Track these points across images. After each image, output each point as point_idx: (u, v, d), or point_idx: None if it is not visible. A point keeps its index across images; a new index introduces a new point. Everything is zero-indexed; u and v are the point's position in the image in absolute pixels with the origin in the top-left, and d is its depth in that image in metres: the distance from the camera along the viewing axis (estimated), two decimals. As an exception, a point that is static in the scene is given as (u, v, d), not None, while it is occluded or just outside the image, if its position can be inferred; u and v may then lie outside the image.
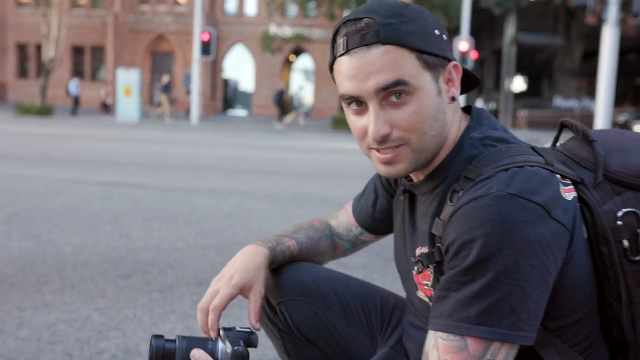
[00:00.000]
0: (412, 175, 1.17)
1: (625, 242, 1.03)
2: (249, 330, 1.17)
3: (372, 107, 1.05)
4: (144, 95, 30.68)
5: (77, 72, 36.35)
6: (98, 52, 37.24)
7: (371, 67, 1.02)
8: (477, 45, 27.71)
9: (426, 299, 1.16)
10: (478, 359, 0.95)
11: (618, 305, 1.05)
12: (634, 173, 1.07)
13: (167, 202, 5.62)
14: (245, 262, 1.28)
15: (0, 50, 37.09)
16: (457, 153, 1.10)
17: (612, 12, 15.51)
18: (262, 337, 1.90)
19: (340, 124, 22.56)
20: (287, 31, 31.30)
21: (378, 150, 1.08)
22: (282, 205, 5.66)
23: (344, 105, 1.11)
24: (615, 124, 18.72)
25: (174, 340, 1.13)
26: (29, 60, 37.60)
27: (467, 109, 1.17)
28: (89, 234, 4.14)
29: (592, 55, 22.56)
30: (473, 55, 24.15)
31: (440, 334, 0.98)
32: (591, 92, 23.78)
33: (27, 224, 4.33)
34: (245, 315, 2.60)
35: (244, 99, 40.11)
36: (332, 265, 1.96)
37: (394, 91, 1.03)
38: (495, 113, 32.56)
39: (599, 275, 1.06)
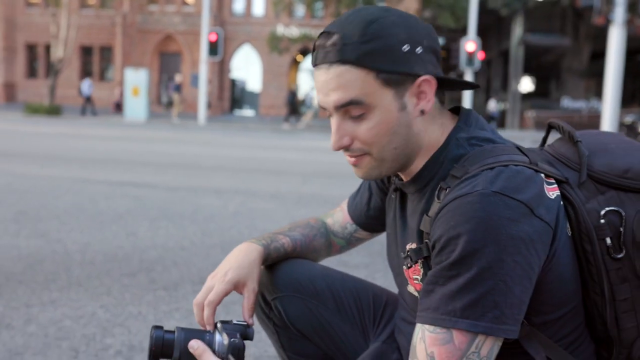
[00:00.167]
0: (401, 175, 1.20)
1: (608, 240, 1.06)
2: (245, 323, 1.22)
3: (333, 119, 1.12)
4: (152, 95, 30.80)
5: (86, 72, 36.46)
6: (106, 52, 37.35)
7: (330, 84, 1.08)
8: (485, 46, 27.63)
9: (416, 294, 1.19)
10: (463, 351, 0.98)
11: (602, 302, 1.08)
12: (617, 173, 1.09)
13: (173, 201, 5.66)
14: (240, 259, 1.32)
15: (9, 50, 37.27)
16: (443, 153, 1.13)
17: (619, 13, 15.43)
18: (264, 334, 1.94)
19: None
20: (294, 31, 31.27)
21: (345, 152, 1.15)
22: (287, 205, 5.70)
23: None
24: (622, 124, 18.62)
25: (173, 332, 1.17)
26: (38, 60, 37.75)
27: (456, 110, 1.20)
28: (95, 232, 4.18)
29: (600, 56, 22.44)
30: (480, 55, 24.10)
31: (427, 326, 1.02)
32: (599, 93, 23.63)
33: (35, 223, 4.39)
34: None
35: (251, 99, 40.08)
36: (334, 263, 2.00)
37: (350, 109, 1.08)
38: (503, 113, 32.50)
39: (583, 272, 1.09)
